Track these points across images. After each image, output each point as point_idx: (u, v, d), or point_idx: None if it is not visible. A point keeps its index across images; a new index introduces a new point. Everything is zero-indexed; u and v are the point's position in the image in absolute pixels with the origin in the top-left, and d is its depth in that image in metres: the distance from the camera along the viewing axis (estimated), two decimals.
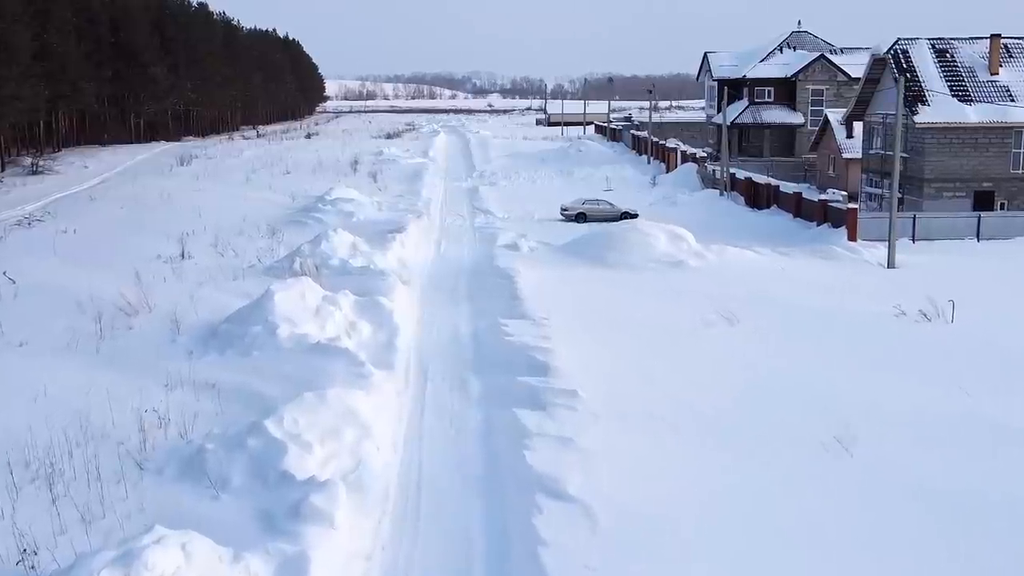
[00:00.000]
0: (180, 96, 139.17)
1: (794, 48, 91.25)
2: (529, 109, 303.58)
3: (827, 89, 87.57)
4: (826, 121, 72.79)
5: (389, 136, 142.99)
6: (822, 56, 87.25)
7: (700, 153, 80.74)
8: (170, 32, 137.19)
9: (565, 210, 60.64)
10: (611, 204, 60.97)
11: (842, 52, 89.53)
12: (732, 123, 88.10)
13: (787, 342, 29.69)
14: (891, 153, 55.68)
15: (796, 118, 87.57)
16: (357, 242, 42.38)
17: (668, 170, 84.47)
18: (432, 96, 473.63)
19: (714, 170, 74.42)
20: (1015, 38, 55.84)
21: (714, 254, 41.40)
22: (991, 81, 54.40)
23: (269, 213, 59.29)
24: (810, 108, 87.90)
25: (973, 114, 52.76)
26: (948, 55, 55.63)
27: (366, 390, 23.86)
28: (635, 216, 60.36)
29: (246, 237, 50.22)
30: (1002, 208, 53.61)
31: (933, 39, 56.29)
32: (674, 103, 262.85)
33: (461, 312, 34.30)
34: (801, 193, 57.37)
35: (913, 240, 49.35)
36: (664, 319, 32.51)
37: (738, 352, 28.67)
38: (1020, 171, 53.69)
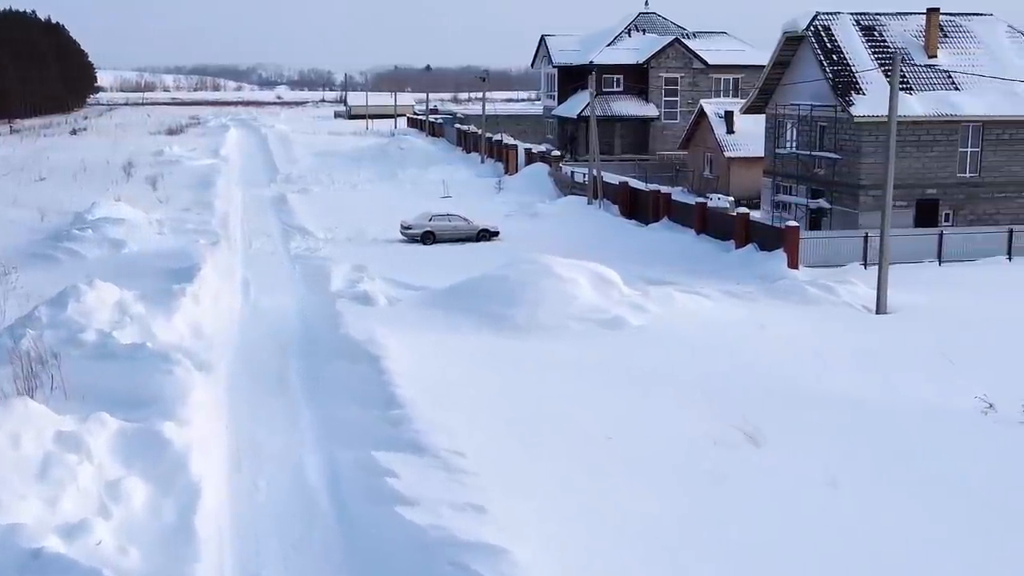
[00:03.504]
0: None
1: (643, 31, 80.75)
2: (323, 101, 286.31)
3: (682, 77, 77.46)
4: (701, 113, 62.22)
5: (171, 132, 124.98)
6: (676, 40, 77.02)
7: (554, 152, 68.82)
8: None
9: (408, 228, 47.35)
10: (465, 219, 48.09)
11: (695, 36, 79.69)
12: (578, 116, 76.93)
13: (869, 488, 17.65)
14: (814, 155, 45.29)
15: (649, 110, 77.07)
16: (126, 299, 27.92)
17: (507, 170, 72.34)
18: (216, 88, 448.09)
19: (572, 172, 62.73)
20: (948, 15, 46.38)
21: (657, 304, 29.16)
22: (929, 65, 44.63)
23: (4, 242, 43.32)
24: (664, 99, 77.57)
25: (918, 105, 42.75)
26: (876, 33, 45.54)
27: None
28: (496, 234, 47.96)
29: None
30: (947, 220, 43.96)
31: (857, 14, 46.13)
32: (472, 94, 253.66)
33: (302, 434, 20.65)
34: (707, 203, 46.14)
35: (865, 265, 38.78)
36: (647, 435, 19.97)
37: (811, 513, 16.46)
38: (967, 175, 44.17)
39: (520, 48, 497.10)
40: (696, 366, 24.47)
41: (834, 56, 43.98)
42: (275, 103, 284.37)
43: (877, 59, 44.30)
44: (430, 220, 47.59)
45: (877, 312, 31.06)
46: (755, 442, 19.61)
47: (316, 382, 23.66)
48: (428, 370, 23.51)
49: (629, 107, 76.87)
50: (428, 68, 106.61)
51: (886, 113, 42.36)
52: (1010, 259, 39.92)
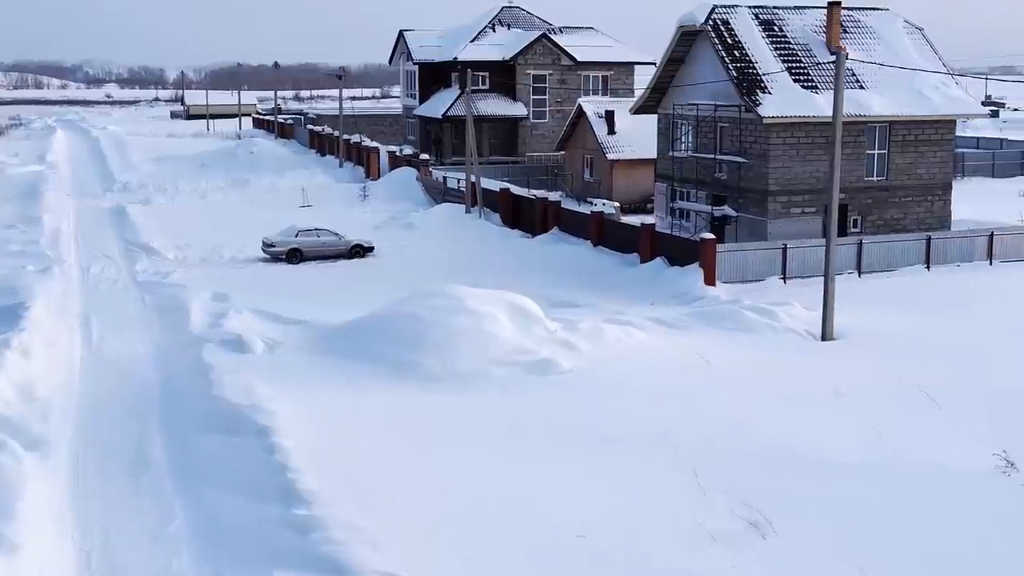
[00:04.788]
0: None
1: (508, 26, 76.72)
2: (157, 100, 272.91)
3: (550, 75, 73.77)
4: (580, 113, 58.60)
5: None
6: (544, 36, 73.22)
7: (422, 155, 64.14)
8: None
9: (271, 245, 42.06)
10: (336, 234, 43.09)
11: (562, 32, 76.15)
12: (444, 116, 72.48)
13: None
14: (718, 158, 42.11)
15: (517, 109, 73.05)
16: None
17: (369, 175, 67.39)
18: (39, 86, 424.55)
19: (444, 177, 58.26)
20: (847, 10, 43.87)
21: (586, 339, 25.05)
22: (833, 62, 41.93)
23: None
24: (532, 97, 73.73)
25: (826, 104, 39.87)
26: (776, 27, 42.63)
27: None
28: (370, 249, 43.24)
29: None
30: (855, 227, 41.46)
31: (755, 7, 43.11)
32: (315, 92, 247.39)
33: (177, 547, 15.65)
34: (603, 213, 42.45)
35: (784, 279, 35.81)
36: (627, 528, 15.83)
37: None
38: (875, 178, 41.76)
39: (359, 44, 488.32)
40: (651, 421, 20.45)
41: (736, 52, 40.84)
42: (105, 102, 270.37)
43: (780, 56, 41.42)
44: (296, 236, 42.41)
45: (823, 338, 27.80)
46: (761, 532, 15.70)
47: (188, 465, 18.58)
48: (330, 445, 18.76)
49: (497, 106, 72.68)
50: (276, 65, 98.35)
51: (796, 113, 39.95)
52: (928, 268, 37.62)
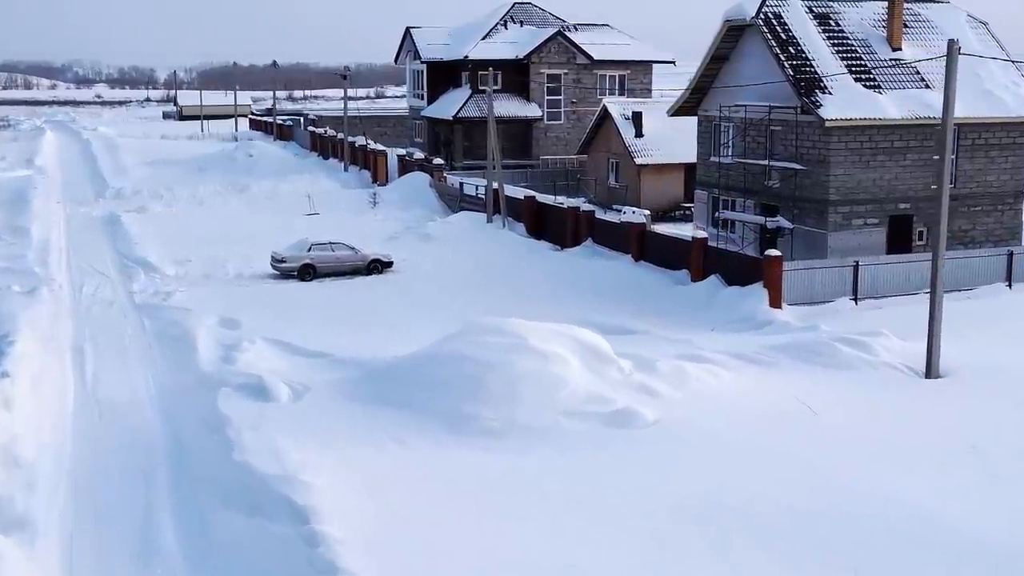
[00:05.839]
0: None
1: (520, 23, 73.07)
2: (148, 100, 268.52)
3: (565, 74, 70.10)
4: (604, 114, 55.00)
5: None
6: (559, 33, 69.56)
7: (436, 159, 60.38)
8: None
9: (281, 261, 38.38)
10: (352, 248, 39.44)
11: (576, 29, 72.52)
12: (454, 117, 68.87)
13: None
14: (772, 164, 38.52)
15: (532, 110, 69.41)
16: None
17: (375, 179, 63.78)
18: (28, 86, 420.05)
19: (461, 183, 54.59)
20: (906, 2, 40.27)
21: (666, 382, 21.41)
22: (895, 60, 38.48)
23: None
24: (546, 98, 70.06)
25: (891, 106, 36.47)
26: (832, 22, 39.08)
27: None
28: (389, 264, 39.59)
29: None
30: (920, 239, 37.93)
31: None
32: (308, 92, 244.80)
33: None
34: (645, 225, 38.80)
35: (856, 300, 32.27)
36: None
37: None
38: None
39: (351, 43, 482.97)
40: (763, 490, 16.85)
41: (791, 49, 37.29)
42: (95, 102, 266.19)
43: (837, 52, 37.90)
44: (309, 250, 38.70)
45: (927, 375, 24.22)
46: None
47: (208, 557, 14.92)
48: (384, 530, 15.10)
49: (510, 107, 68.95)
50: (275, 64, 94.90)
51: (860, 116, 36.37)
52: (1010, 286, 34.08)
